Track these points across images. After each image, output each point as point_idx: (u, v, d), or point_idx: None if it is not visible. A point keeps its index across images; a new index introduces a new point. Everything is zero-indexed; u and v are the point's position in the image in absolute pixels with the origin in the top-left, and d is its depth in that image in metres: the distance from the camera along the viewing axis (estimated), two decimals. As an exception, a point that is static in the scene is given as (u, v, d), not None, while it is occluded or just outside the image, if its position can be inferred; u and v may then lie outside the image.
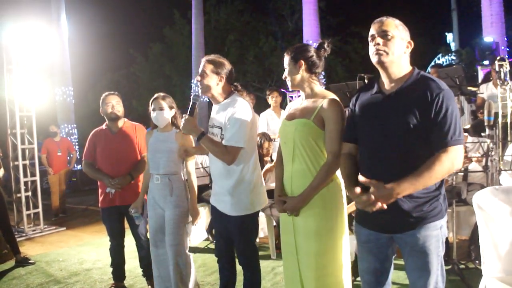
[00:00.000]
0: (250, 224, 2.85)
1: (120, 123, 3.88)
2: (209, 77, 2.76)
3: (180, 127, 2.74)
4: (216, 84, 2.77)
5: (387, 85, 2.08)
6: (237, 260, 3.02)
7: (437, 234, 2.01)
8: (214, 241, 3.15)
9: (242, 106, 2.71)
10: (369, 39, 2.06)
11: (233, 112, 2.67)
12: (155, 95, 3.40)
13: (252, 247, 2.92)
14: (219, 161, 2.74)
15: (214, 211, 2.97)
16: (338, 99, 2.42)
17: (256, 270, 2.95)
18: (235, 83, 2.89)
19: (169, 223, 3.27)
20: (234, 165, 2.71)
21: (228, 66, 2.83)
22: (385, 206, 1.89)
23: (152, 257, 3.46)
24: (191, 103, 2.76)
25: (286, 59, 2.49)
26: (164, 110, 3.31)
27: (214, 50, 17.40)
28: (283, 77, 2.52)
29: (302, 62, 2.44)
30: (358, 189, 1.95)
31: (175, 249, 3.25)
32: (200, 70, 2.79)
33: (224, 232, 2.93)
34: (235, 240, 2.87)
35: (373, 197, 1.87)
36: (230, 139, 2.67)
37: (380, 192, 1.88)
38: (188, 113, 2.74)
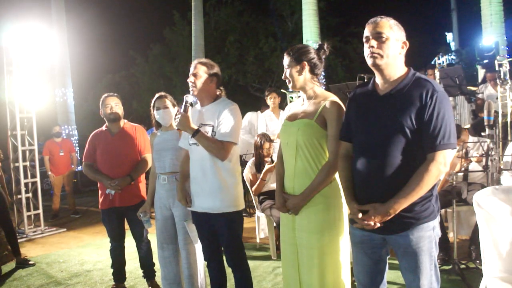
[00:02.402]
0: (237, 221, 2.92)
1: (120, 124, 3.88)
2: (202, 78, 2.86)
3: (175, 124, 2.79)
4: (208, 85, 2.88)
5: (382, 86, 2.09)
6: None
7: (430, 235, 2.03)
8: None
9: (234, 106, 2.86)
10: (364, 40, 2.06)
11: (226, 110, 2.80)
12: (158, 95, 3.44)
13: (240, 245, 2.96)
14: (205, 160, 2.81)
15: (195, 216, 3.00)
16: (339, 100, 2.44)
17: (246, 269, 2.99)
18: (221, 88, 3.00)
19: (180, 223, 3.29)
20: (225, 162, 2.81)
21: (218, 70, 2.96)
22: (378, 225, 2.00)
23: (158, 258, 3.47)
24: (184, 101, 2.82)
25: (287, 60, 2.49)
26: (169, 108, 3.37)
27: (214, 51, 17.42)
28: (283, 77, 2.53)
29: (305, 63, 2.46)
30: (360, 215, 2.05)
31: (189, 248, 3.30)
32: (192, 71, 2.88)
33: (210, 234, 2.96)
34: (224, 239, 2.89)
35: (371, 223, 2.00)
36: (225, 135, 2.77)
37: (377, 212, 1.98)
38: (182, 111, 2.81)
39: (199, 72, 2.87)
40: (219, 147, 2.76)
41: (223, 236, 2.89)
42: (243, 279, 2.95)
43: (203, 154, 2.82)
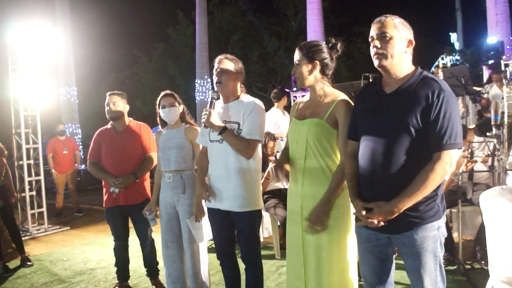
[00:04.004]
0: (258, 220, 2.90)
1: (125, 122, 3.88)
2: (229, 75, 2.81)
3: (202, 120, 2.74)
4: (234, 82, 2.83)
5: (388, 84, 2.08)
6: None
7: (434, 235, 2.02)
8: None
9: (260, 104, 2.83)
10: (369, 40, 2.06)
11: (253, 107, 2.77)
12: (163, 93, 3.44)
13: (258, 242, 2.95)
14: (230, 158, 2.78)
15: (212, 213, 2.97)
16: (349, 99, 2.42)
17: (260, 267, 2.98)
18: (242, 85, 2.94)
19: (185, 221, 3.29)
20: (250, 160, 2.78)
21: (242, 66, 2.91)
22: (381, 223, 1.99)
23: (163, 257, 3.48)
24: (210, 98, 2.78)
25: (299, 55, 2.43)
26: (175, 106, 3.36)
27: (218, 50, 17.40)
28: (292, 72, 2.48)
29: (317, 63, 2.41)
30: (364, 212, 2.04)
31: (193, 246, 3.30)
32: (219, 67, 2.81)
33: (225, 232, 2.94)
34: (243, 237, 2.86)
35: (375, 221, 1.99)
36: (252, 133, 2.73)
37: (382, 210, 1.98)
38: (208, 107, 2.75)
39: (227, 68, 2.80)
40: (246, 145, 2.72)
41: (243, 233, 2.86)
42: (256, 276, 2.94)
43: (228, 152, 2.78)
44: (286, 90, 8.32)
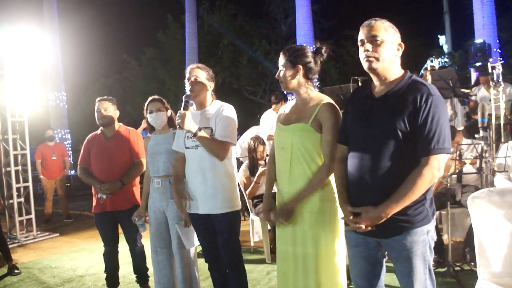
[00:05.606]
0: (236, 221, 2.96)
1: (114, 128, 3.86)
2: (203, 83, 2.89)
3: (177, 122, 2.74)
4: (206, 90, 2.92)
5: (378, 88, 2.08)
6: None
7: (424, 239, 2.01)
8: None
9: (231, 107, 2.94)
10: (359, 43, 2.05)
11: (226, 112, 2.87)
12: (150, 98, 3.46)
13: (238, 245, 2.97)
14: (205, 163, 2.83)
15: (193, 218, 3.00)
16: (333, 102, 2.41)
17: (243, 269, 3.00)
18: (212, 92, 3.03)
19: (174, 227, 3.28)
20: (224, 162, 2.84)
21: (213, 74, 3.01)
22: (369, 228, 1.99)
23: (152, 263, 3.46)
24: (184, 101, 2.80)
25: (282, 60, 2.44)
26: (162, 111, 3.37)
27: (208, 54, 17.40)
28: (276, 76, 2.48)
29: (300, 67, 2.41)
30: (351, 217, 2.04)
31: (182, 252, 3.29)
32: (192, 75, 2.89)
33: (210, 236, 2.96)
34: (223, 239, 2.89)
35: (363, 226, 1.99)
36: (225, 136, 2.80)
37: (370, 215, 1.97)
38: (182, 109, 2.77)
39: (200, 77, 2.89)
40: (220, 147, 2.79)
41: (222, 235, 2.88)
42: (240, 279, 2.96)
43: (203, 157, 2.83)
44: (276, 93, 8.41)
